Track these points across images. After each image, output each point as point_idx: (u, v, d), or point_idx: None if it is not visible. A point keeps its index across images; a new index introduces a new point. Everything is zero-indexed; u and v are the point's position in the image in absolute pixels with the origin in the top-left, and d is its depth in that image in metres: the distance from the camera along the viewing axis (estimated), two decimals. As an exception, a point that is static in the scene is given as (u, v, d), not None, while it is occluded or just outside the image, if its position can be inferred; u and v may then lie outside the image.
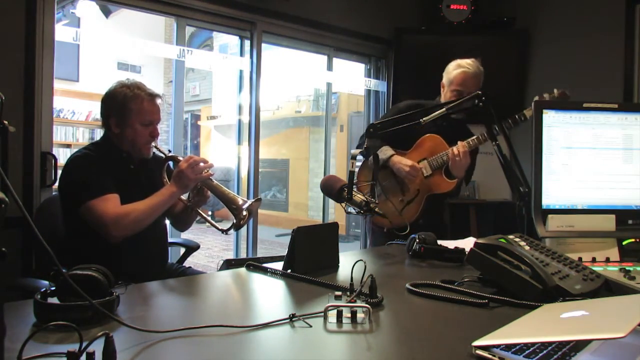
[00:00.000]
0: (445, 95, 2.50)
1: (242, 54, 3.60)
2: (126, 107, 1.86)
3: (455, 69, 2.45)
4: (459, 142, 2.34)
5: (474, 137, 2.38)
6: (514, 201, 1.66)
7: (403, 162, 2.41)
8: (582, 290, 1.16)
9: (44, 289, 1.00)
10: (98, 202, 1.75)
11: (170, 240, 2.26)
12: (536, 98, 2.23)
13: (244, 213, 1.85)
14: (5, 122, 0.74)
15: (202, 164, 1.84)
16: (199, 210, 1.99)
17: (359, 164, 2.55)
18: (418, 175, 2.40)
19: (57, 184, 2.39)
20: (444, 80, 2.53)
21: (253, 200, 1.89)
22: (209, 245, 7.52)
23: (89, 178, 1.79)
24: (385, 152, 2.46)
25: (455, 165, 2.34)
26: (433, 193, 2.46)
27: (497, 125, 1.87)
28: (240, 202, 1.86)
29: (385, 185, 2.46)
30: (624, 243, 1.53)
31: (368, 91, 4.36)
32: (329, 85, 4.18)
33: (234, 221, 1.88)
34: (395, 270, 1.62)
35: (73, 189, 1.82)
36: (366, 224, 2.98)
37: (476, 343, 0.84)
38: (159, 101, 1.93)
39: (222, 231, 1.92)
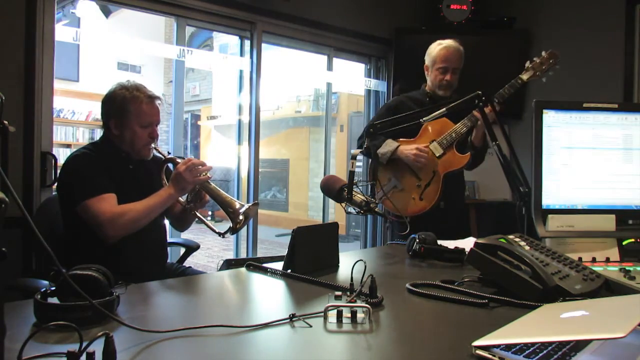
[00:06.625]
0: (430, 76, 2.54)
1: (242, 54, 3.60)
2: (125, 109, 1.87)
3: (436, 47, 2.52)
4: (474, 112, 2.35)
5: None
6: (514, 201, 1.66)
7: (407, 150, 2.42)
8: (582, 290, 1.16)
9: (44, 289, 1.00)
10: (94, 202, 1.75)
11: (170, 240, 2.26)
12: (527, 63, 2.32)
13: (241, 217, 1.84)
14: (5, 122, 0.74)
15: (200, 167, 1.84)
16: (197, 213, 1.99)
17: (359, 164, 2.55)
18: (425, 157, 2.40)
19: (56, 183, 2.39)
20: (427, 62, 2.57)
21: (250, 204, 1.88)
22: (209, 245, 7.51)
23: (86, 177, 1.79)
24: (389, 145, 2.45)
25: (479, 132, 2.39)
26: (450, 170, 2.46)
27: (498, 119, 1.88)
28: (237, 205, 1.85)
29: (397, 176, 2.48)
30: (624, 243, 1.52)
31: (368, 91, 4.36)
32: (329, 85, 4.18)
33: (231, 225, 1.88)
34: (395, 270, 1.62)
35: (70, 188, 1.82)
36: (386, 223, 2.99)
37: (476, 343, 0.84)
38: (158, 103, 1.94)
39: (219, 234, 1.92)
